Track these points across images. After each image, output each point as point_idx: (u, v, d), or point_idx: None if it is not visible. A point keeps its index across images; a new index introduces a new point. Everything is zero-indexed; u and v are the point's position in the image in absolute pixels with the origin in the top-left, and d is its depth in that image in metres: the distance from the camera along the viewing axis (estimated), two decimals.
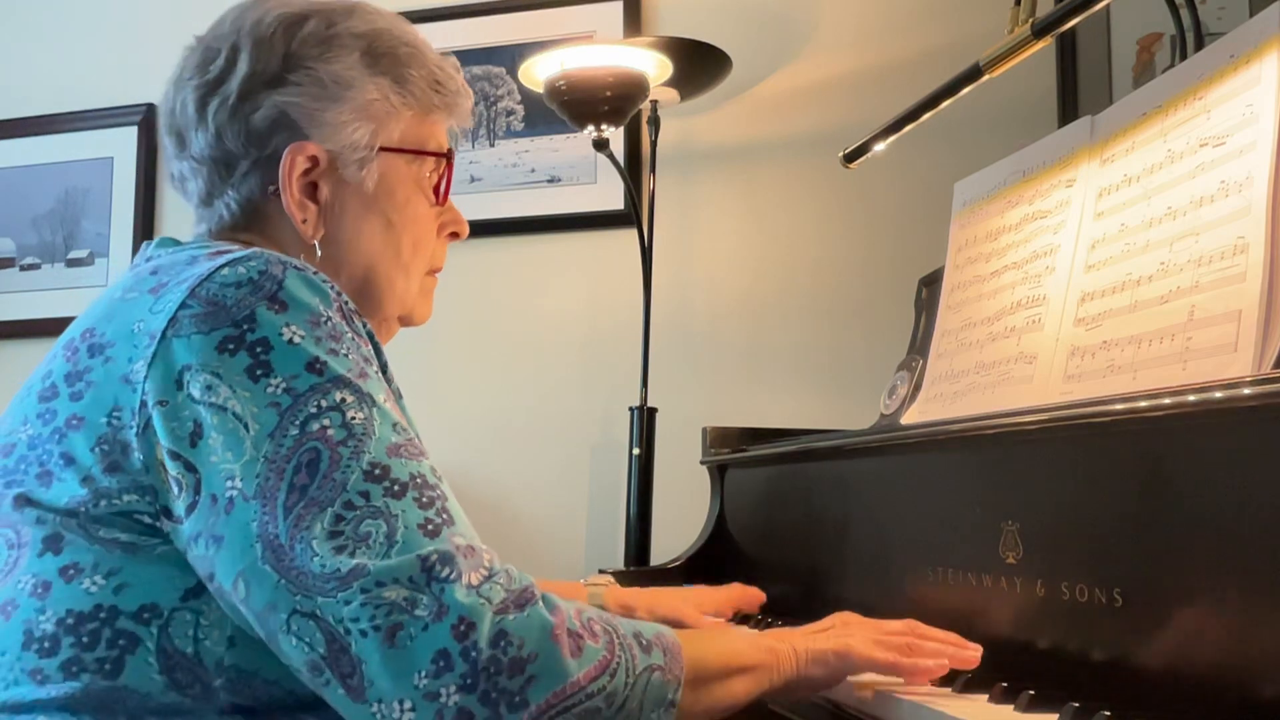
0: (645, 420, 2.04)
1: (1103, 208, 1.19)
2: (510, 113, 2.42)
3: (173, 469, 0.77)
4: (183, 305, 0.79)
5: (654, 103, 2.14)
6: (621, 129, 2.13)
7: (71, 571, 0.78)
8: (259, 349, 0.78)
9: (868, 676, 0.97)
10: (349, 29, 0.98)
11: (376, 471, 0.76)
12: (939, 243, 1.52)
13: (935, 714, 0.87)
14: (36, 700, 0.76)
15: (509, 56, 2.38)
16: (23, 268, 2.70)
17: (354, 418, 0.78)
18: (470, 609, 0.72)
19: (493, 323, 2.39)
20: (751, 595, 1.43)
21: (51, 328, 2.48)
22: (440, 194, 1.04)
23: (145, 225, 2.62)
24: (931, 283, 1.59)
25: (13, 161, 2.72)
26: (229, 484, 0.75)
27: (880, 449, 1.28)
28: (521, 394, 2.36)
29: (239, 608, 0.76)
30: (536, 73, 2.01)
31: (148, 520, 0.78)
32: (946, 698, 0.92)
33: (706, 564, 1.66)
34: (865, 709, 0.97)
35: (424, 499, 0.77)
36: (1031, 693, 0.86)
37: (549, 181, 2.38)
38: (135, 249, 2.60)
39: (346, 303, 0.84)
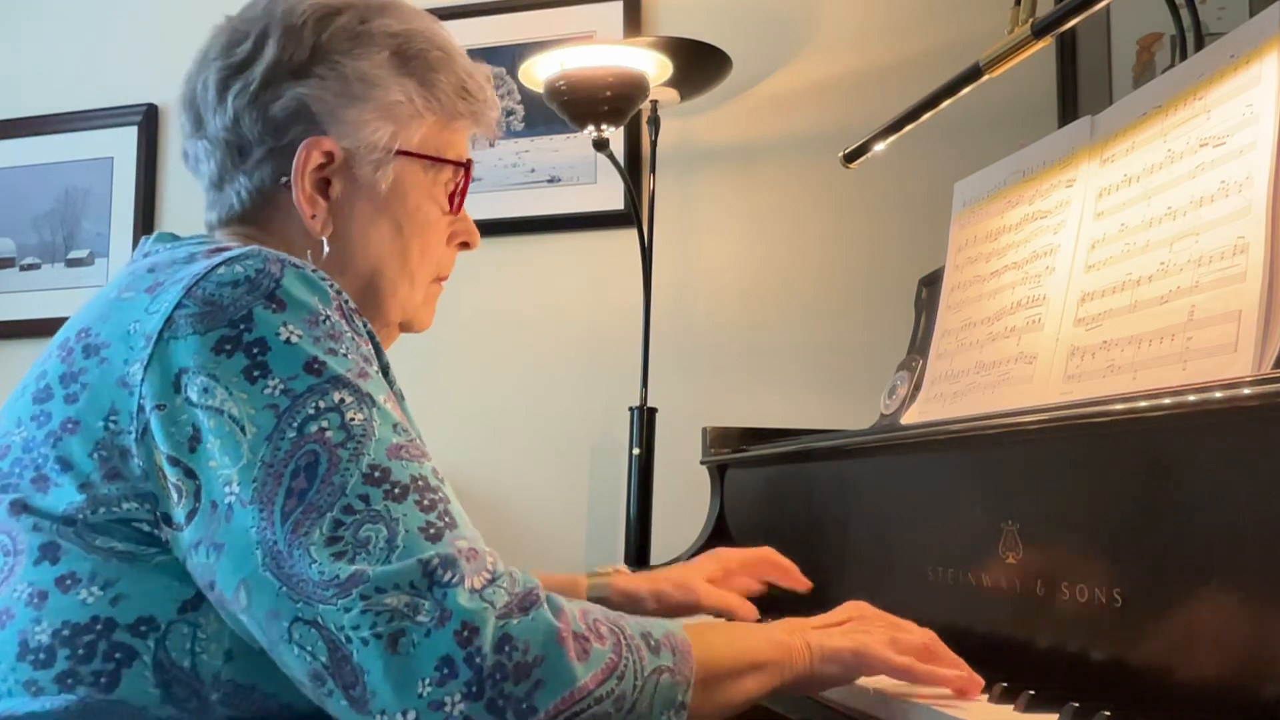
0: (645, 420, 2.04)
1: (1103, 208, 1.19)
2: (510, 113, 2.41)
3: (172, 475, 0.75)
4: (178, 305, 0.78)
5: (654, 103, 2.14)
6: (621, 129, 2.13)
7: (69, 581, 0.76)
8: (256, 349, 0.76)
9: (878, 679, 0.95)
10: (382, 27, 0.97)
11: (376, 474, 0.75)
12: (939, 243, 1.52)
13: (935, 714, 0.87)
14: (30, 713, 0.75)
15: (509, 56, 2.38)
16: (23, 268, 2.70)
17: (353, 419, 0.76)
18: (473, 614, 0.70)
19: (493, 323, 2.39)
20: (777, 564, 1.30)
21: (51, 328, 2.46)
22: (455, 203, 1.03)
23: (145, 225, 2.62)
24: (931, 283, 1.59)
25: (13, 161, 2.72)
26: (227, 490, 0.74)
27: (880, 449, 1.28)
28: (521, 394, 2.36)
29: (240, 617, 0.74)
30: (536, 73, 2.01)
31: (146, 529, 0.77)
32: (946, 697, 0.92)
33: None
34: (864, 708, 0.97)
35: (425, 501, 0.75)
36: (1031, 693, 0.86)
37: (549, 181, 2.38)
38: (135, 249, 2.61)
39: (346, 301, 0.83)
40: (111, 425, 0.77)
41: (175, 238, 0.93)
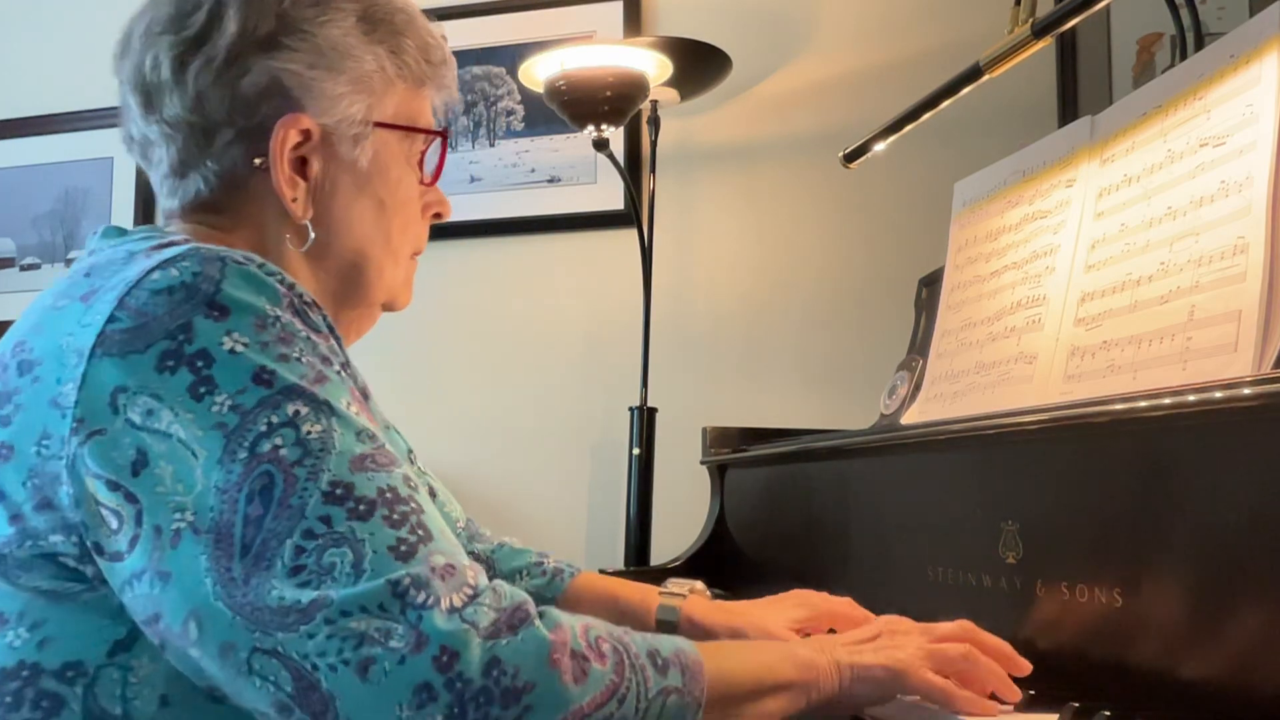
0: (645, 420, 2.04)
1: (1103, 208, 1.19)
2: (510, 113, 2.42)
3: (110, 500, 0.69)
4: (110, 319, 0.72)
5: (654, 103, 2.14)
6: (621, 129, 2.13)
7: None
8: (200, 363, 0.70)
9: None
10: None
11: (338, 492, 0.69)
12: (939, 243, 1.52)
13: (935, 714, 0.87)
14: None
15: (509, 56, 2.38)
16: (23, 268, 2.70)
17: (309, 432, 0.70)
18: (452, 636, 0.65)
19: (493, 323, 2.39)
20: (858, 616, 1.12)
21: None
22: (433, 173, 0.98)
23: (145, 225, 2.62)
24: (931, 283, 1.59)
25: (13, 161, 2.72)
26: (177, 516, 0.68)
27: (880, 449, 1.28)
28: (521, 394, 2.36)
29: (190, 652, 0.68)
30: (536, 73, 2.01)
31: (72, 564, 0.71)
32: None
33: (706, 564, 1.65)
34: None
35: (395, 516, 0.69)
36: (1031, 693, 0.86)
37: (549, 181, 2.38)
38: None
39: (300, 295, 0.76)
40: (43, 449, 0.71)
41: (122, 232, 0.86)
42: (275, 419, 0.70)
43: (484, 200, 2.39)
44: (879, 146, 1.68)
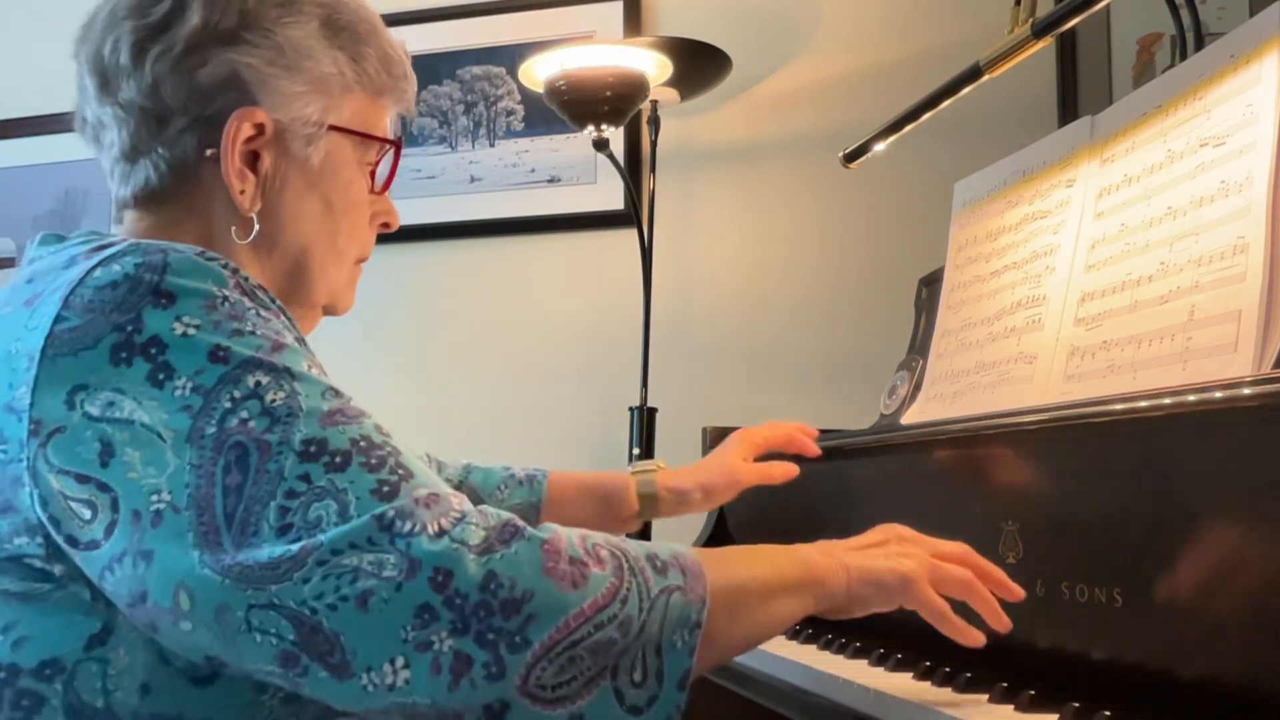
0: (645, 420, 2.04)
1: (1103, 208, 1.19)
2: (510, 113, 2.42)
3: (80, 492, 0.70)
4: (57, 319, 0.72)
5: (654, 103, 2.14)
6: (621, 129, 2.13)
7: None
8: (153, 350, 0.71)
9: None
10: None
11: (312, 449, 0.70)
12: (939, 243, 1.52)
13: (935, 714, 0.87)
14: None
15: (509, 56, 2.38)
16: None
17: (273, 400, 0.71)
18: (442, 556, 0.67)
19: (493, 323, 2.39)
20: (790, 435, 1.32)
21: None
22: (383, 182, 0.99)
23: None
24: (931, 283, 1.59)
25: (13, 161, 2.72)
26: (154, 499, 0.69)
27: (880, 449, 1.28)
28: (521, 394, 2.36)
29: (181, 624, 0.69)
30: (536, 73, 2.01)
31: (39, 564, 0.72)
32: (946, 698, 0.92)
33: None
34: (863, 709, 0.97)
35: (372, 461, 0.71)
36: (1031, 693, 0.86)
37: (549, 181, 2.38)
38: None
39: (245, 279, 0.77)
40: (1, 454, 0.72)
41: (61, 238, 0.86)
42: (238, 393, 0.71)
43: (484, 200, 2.39)
44: (879, 146, 1.68)
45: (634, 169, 2.28)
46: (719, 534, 1.68)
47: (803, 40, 2.28)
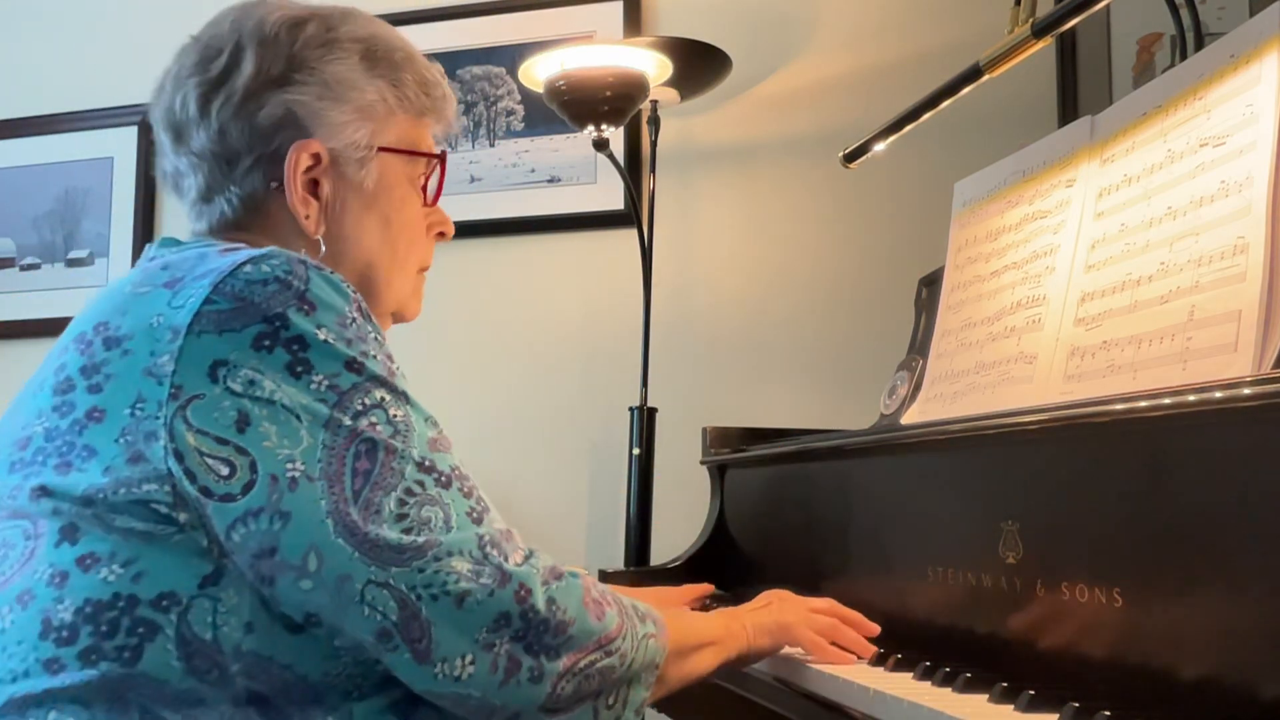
0: (645, 420, 2.04)
1: (1103, 208, 1.19)
2: (510, 113, 2.42)
3: (220, 451, 0.79)
4: (207, 301, 0.81)
5: (654, 103, 2.14)
6: (621, 129, 2.13)
7: (89, 561, 0.79)
8: (295, 346, 0.81)
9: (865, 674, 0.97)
10: (348, 33, 1.01)
11: (426, 463, 0.83)
12: (939, 243, 1.52)
13: (935, 714, 0.87)
14: (48, 691, 0.77)
15: (509, 56, 2.38)
16: (23, 268, 2.70)
17: (395, 415, 0.83)
18: (527, 576, 0.82)
19: (493, 323, 2.39)
20: (701, 590, 1.51)
21: (51, 328, 2.48)
22: (433, 194, 1.08)
23: (145, 225, 2.62)
24: (931, 283, 1.59)
25: (13, 161, 2.72)
26: (289, 466, 0.79)
27: (880, 449, 1.28)
28: (521, 394, 2.36)
29: (302, 582, 0.78)
30: (536, 73, 2.01)
31: (164, 510, 0.79)
32: (946, 698, 0.92)
33: (706, 564, 1.65)
34: (863, 708, 0.97)
35: (465, 489, 0.85)
36: (1031, 693, 0.86)
37: (549, 181, 2.38)
38: (135, 249, 2.61)
39: (362, 303, 0.87)
40: (138, 412, 0.80)
41: (178, 242, 0.96)
42: (367, 401, 0.83)
43: (484, 200, 2.39)
44: (879, 146, 1.68)
45: (634, 169, 2.28)
46: (719, 533, 1.68)
47: (802, 40, 2.28)
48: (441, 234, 1.11)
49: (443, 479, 0.83)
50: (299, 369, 0.81)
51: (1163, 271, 1.05)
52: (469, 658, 0.80)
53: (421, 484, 0.82)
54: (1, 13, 2.80)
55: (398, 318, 1.10)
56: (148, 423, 0.80)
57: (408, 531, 0.79)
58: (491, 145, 2.42)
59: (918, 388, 1.48)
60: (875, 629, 1.14)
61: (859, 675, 1.03)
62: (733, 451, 1.67)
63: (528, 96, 2.36)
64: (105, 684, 0.77)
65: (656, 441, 2.06)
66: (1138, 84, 1.95)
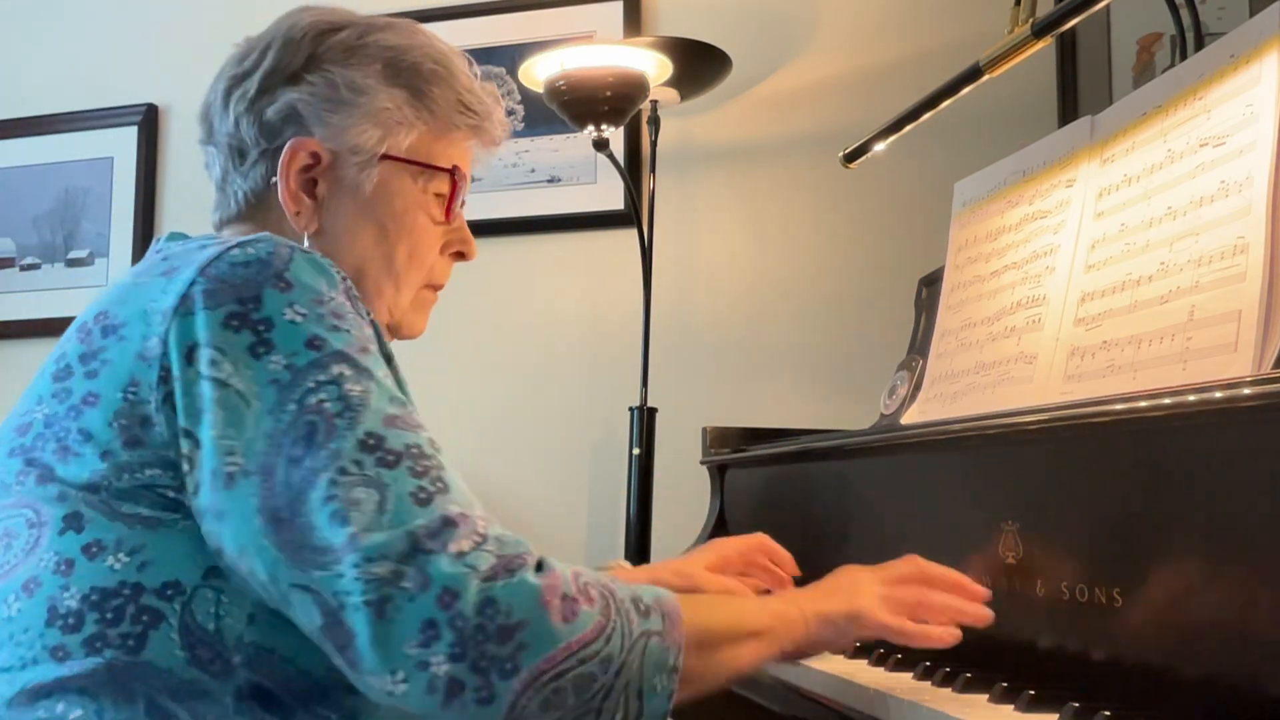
0: (645, 420, 2.04)
1: (1103, 208, 1.19)
2: (510, 112, 2.41)
3: (184, 446, 0.79)
4: (193, 283, 0.82)
5: (654, 103, 2.14)
6: (621, 129, 2.13)
7: (94, 549, 0.79)
8: (261, 327, 0.80)
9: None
10: (379, 41, 1.01)
11: (370, 441, 0.78)
12: (939, 243, 1.52)
13: (935, 714, 0.87)
14: (57, 679, 0.77)
15: (509, 56, 2.38)
16: (23, 268, 2.70)
17: (351, 390, 0.79)
18: (454, 578, 0.73)
19: (493, 323, 2.39)
20: (755, 541, 1.27)
21: (51, 328, 2.48)
22: (446, 212, 1.05)
23: (145, 225, 2.62)
24: (931, 283, 1.59)
25: (13, 161, 2.72)
26: (229, 459, 0.77)
27: (880, 449, 1.28)
28: (521, 394, 2.36)
29: (249, 580, 0.78)
30: (536, 73, 2.01)
31: (171, 495, 0.79)
32: (946, 698, 0.92)
33: None
34: (863, 708, 0.97)
35: (418, 468, 0.78)
36: (1031, 693, 0.86)
37: (549, 181, 2.38)
38: (135, 249, 2.61)
39: (351, 288, 0.86)
40: (131, 396, 0.80)
41: (186, 236, 0.96)
42: (322, 378, 0.79)
43: (484, 200, 2.39)
44: (879, 146, 1.68)
45: (634, 169, 2.28)
46: (719, 533, 1.68)
47: (802, 40, 2.28)
48: (460, 254, 1.09)
49: (389, 458, 0.77)
50: (260, 349, 0.79)
51: (1163, 271, 1.05)
52: (399, 675, 0.73)
53: (359, 463, 0.76)
54: (1, 13, 2.80)
55: (395, 332, 1.06)
56: (142, 407, 0.80)
57: (333, 516, 0.74)
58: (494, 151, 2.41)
59: (918, 388, 1.48)
60: (981, 592, 0.96)
61: (859, 675, 1.03)
62: (733, 451, 1.67)
63: (528, 96, 2.34)
64: (111, 673, 0.77)
65: (656, 441, 2.06)
66: (1138, 84, 1.95)
